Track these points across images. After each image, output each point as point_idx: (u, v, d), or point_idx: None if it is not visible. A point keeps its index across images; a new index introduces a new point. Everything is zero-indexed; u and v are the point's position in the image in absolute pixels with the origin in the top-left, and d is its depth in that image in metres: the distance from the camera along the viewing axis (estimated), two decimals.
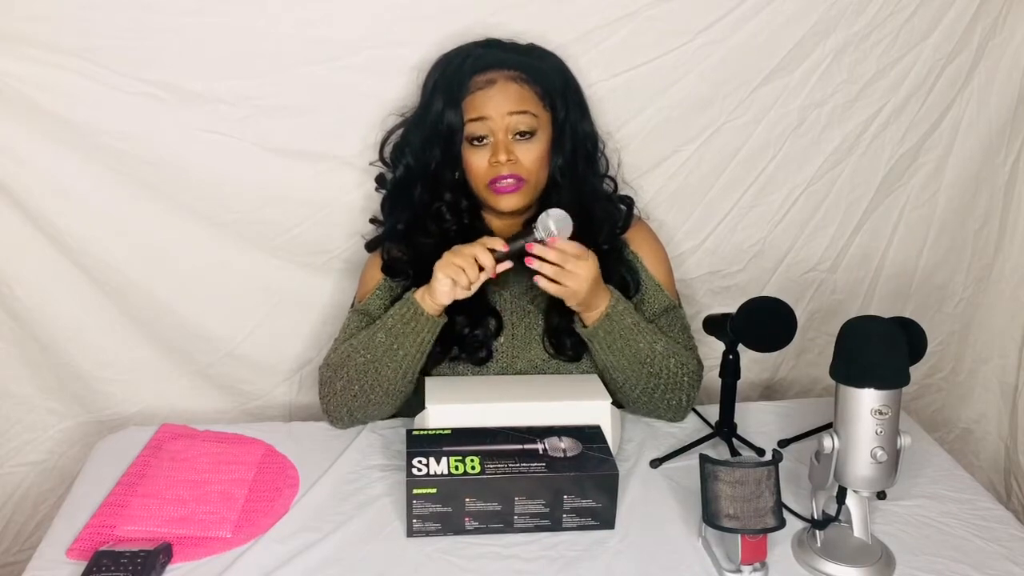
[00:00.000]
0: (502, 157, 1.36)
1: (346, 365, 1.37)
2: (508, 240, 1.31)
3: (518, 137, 1.37)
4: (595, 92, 1.49)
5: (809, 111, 1.62)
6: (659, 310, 1.45)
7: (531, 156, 1.38)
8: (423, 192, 1.43)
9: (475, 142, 1.38)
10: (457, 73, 1.38)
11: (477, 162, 1.38)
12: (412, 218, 1.44)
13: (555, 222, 1.29)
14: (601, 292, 1.34)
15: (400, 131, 1.46)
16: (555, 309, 1.42)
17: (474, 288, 1.30)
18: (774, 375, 1.84)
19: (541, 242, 1.29)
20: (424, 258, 1.36)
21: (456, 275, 1.28)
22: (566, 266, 1.28)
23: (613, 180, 1.54)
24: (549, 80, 1.40)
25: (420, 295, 1.33)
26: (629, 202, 1.50)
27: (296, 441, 1.39)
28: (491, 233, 1.46)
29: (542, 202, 1.44)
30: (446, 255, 1.30)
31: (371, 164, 1.49)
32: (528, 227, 1.31)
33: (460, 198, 1.44)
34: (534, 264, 1.29)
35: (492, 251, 1.29)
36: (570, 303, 1.33)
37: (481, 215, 1.47)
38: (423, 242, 1.42)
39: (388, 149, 1.47)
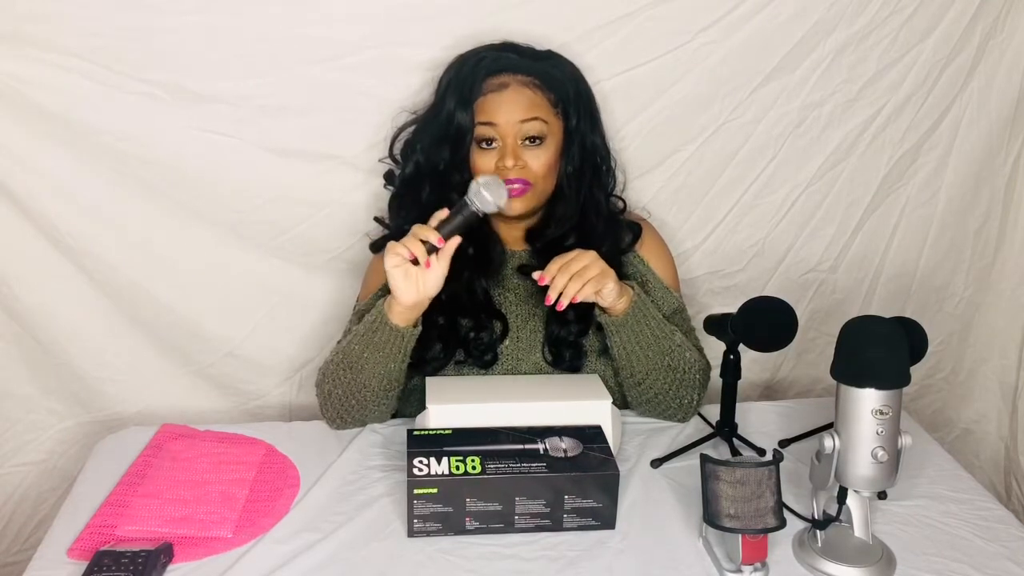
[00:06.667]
0: (509, 162, 1.35)
1: (330, 369, 1.37)
2: (443, 221, 1.26)
3: (527, 143, 1.36)
4: (595, 92, 1.49)
5: (809, 111, 1.62)
6: (668, 312, 1.44)
7: (539, 162, 1.37)
8: (431, 192, 1.40)
9: (484, 145, 1.37)
10: (471, 74, 1.37)
11: (485, 165, 1.37)
12: (419, 218, 1.42)
13: (484, 186, 1.25)
14: (621, 284, 1.32)
15: (411, 129, 1.45)
16: (555, 319, 1.41)
17: (436, 276, 1.25)
18: (774, 375, 1.84)
19: (476, 212, 1.26)
20: None
21: (401, 252, 1.24)
22: (572, 262, 1.26)
23: (624, 201, 1.53)
24: (562, 87, 1.39)
25: (388, 303, 1.29)
26: (637, 230, 1.48)
27: (297, 441, 1.39)
28: (499, 239, 1.46)
29: (548, 209, 1.44)
30: (388, 246, 1.26)
31: (380, 160, 1.48)
32: (462, 201, 1.27)
33: None
34: (549, 283, 1.27)
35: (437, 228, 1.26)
36: (605, 295, 1.28)
37: (489, 219, 1.45)
38: None
39: (398, 146, 1.46)
